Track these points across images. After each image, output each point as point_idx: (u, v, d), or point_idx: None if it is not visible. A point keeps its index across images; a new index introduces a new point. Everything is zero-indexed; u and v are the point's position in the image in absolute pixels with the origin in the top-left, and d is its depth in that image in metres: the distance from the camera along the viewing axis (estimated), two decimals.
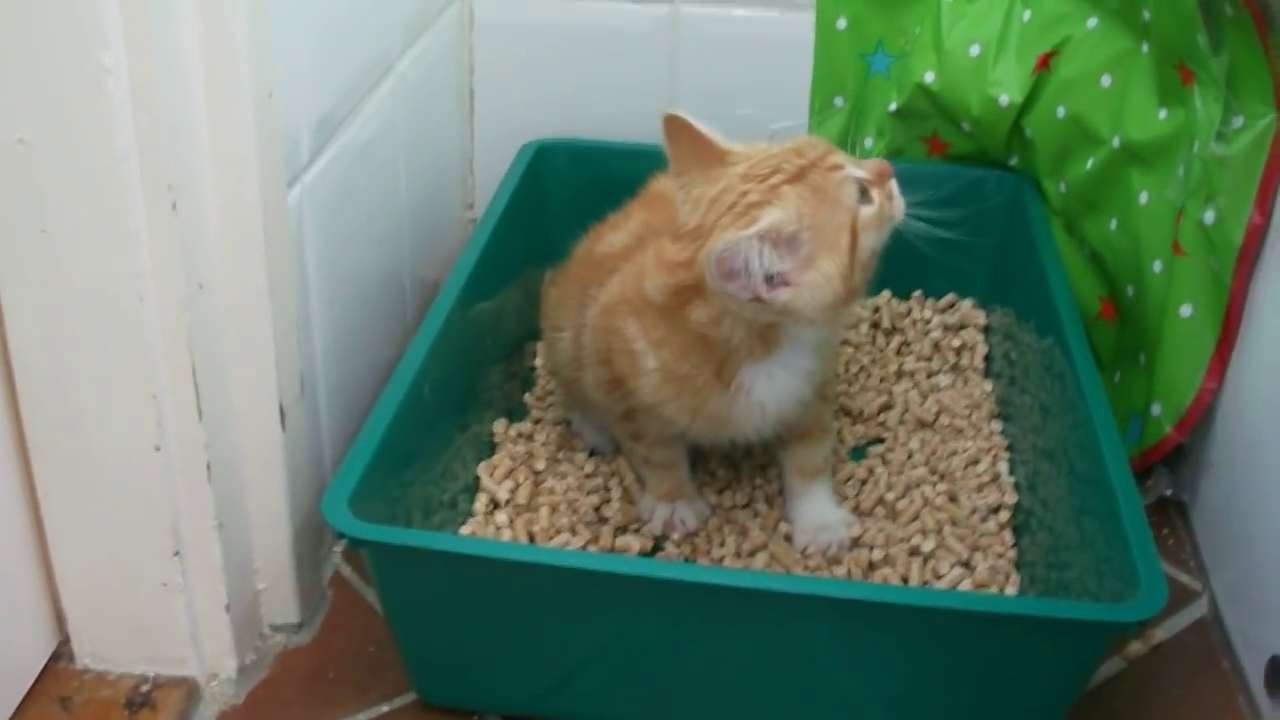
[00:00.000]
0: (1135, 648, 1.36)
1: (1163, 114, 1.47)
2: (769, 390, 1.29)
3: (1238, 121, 1.37)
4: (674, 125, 1.24)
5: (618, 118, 1.76)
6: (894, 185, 1.25)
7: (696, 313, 1.24)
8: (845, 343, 1.69)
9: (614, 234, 1.46)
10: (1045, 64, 1.61)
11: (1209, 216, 1.39)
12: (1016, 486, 1.46)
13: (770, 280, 1.16)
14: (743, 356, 1.26)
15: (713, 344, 1.25)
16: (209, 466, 1.18)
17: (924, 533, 1.41)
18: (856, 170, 1.22)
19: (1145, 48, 1.50)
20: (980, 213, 1.70)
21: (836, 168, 1.21)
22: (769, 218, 1.15)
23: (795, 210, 1.17)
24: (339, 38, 1.35)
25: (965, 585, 1.35)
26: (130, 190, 1.06)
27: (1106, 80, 1.55)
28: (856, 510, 1.45)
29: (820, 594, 1.14)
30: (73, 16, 1.00)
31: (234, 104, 1.11)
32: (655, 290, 1.27)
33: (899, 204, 1.25)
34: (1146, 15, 1.48)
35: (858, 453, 1.55)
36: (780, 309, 1.19)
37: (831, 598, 1.13)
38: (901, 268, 1.70)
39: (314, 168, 1.30)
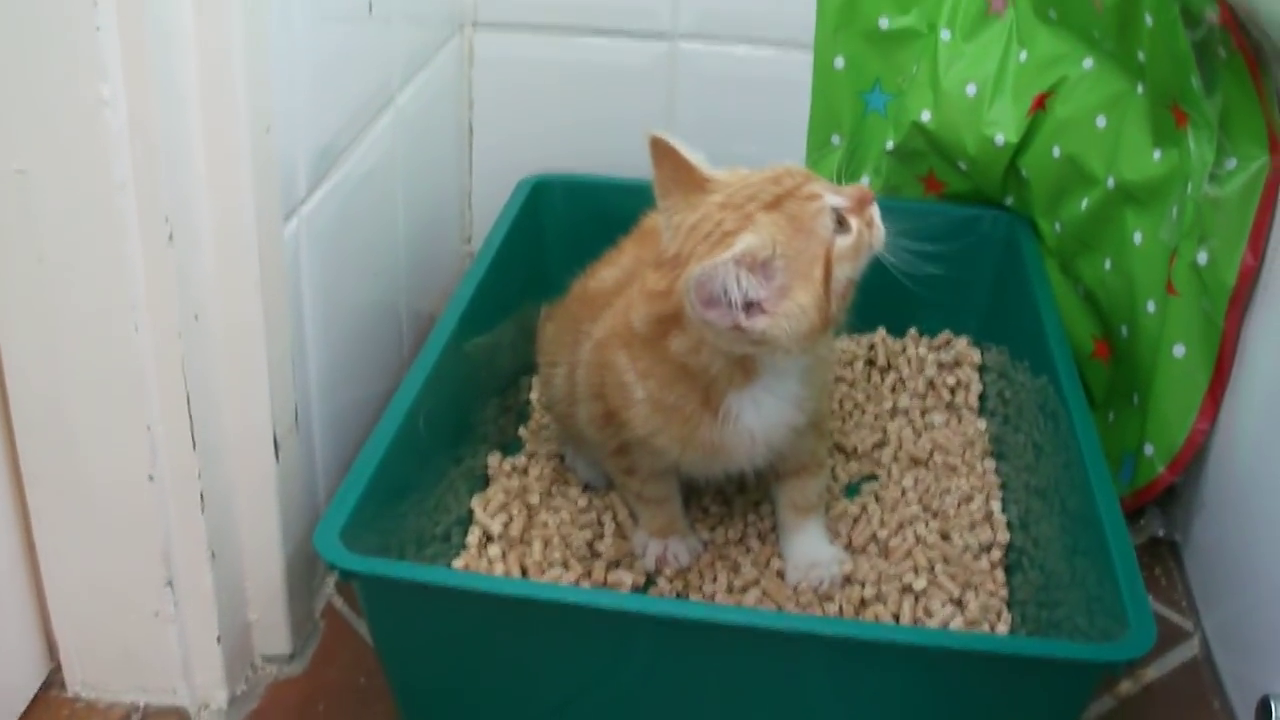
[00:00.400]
0: (1126, 687, 1.36)
1: (1157, 155, 1.48)
2: (757, 417, 1.29)
3: (1231, 163, 1.37)
4: (659, 148, 1.24)
5: (616, 153, 1.76)
6: (875, 212, 1.24)
7: (675, 343, 1.25)
8: (840, 379, 1.69)
9: (606, 270, 1.46)
10: (1041, 104, 1.62)
11: (1202, 257, 1.40)
12: (1009, 525, 1.46)
13: (749, 308, 1.16)
14: (725, 385, 1.26)
15: (695, 373, 1.26)
16: (202, 496, 1.18)
17: (916, 570, 1.41)
18: (835, 199, 1.21)
19: (1140, 89, 1.51)
20: (975, 251, 1.71)
21: (813, 197, 1.21)
22: (743, 243, 1.15)
23: (770, 236, 1.17)
24: (338, 71, 1.36)
25: (957, 623, 1.35)
26: (127, 221, 1.07)
27: (1102, 121, 1.56)
28: (849, 547, 1.45)
29: (811, 631, 1.14)
30: (72, 49, 1.01)
31: (231, 137, 1.11)
32: (639, 321, 1.27)
33: (879, 232, 1.24)
34: (1141, 57, 1.48)
35: (851, 489, 1.55)
36: (758, 337, 1.18)
37: (822, 635, 1.13)
38: (897, 305, 1.72)
39: (312, 200, 1.31)
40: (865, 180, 1.76)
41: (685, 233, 1.22)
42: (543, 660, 1.18)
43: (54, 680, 1.28)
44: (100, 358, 1.12)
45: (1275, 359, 1.33)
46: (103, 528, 1.19)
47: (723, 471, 1.39)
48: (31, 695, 1.26)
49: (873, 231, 1.23)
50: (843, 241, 1.20)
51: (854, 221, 1.21)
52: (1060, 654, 1.12)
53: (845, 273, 1.21)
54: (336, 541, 1.14)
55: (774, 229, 1.18)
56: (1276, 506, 1.29)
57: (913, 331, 1.78)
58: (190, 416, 1.15)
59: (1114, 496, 1.24)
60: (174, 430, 1.15)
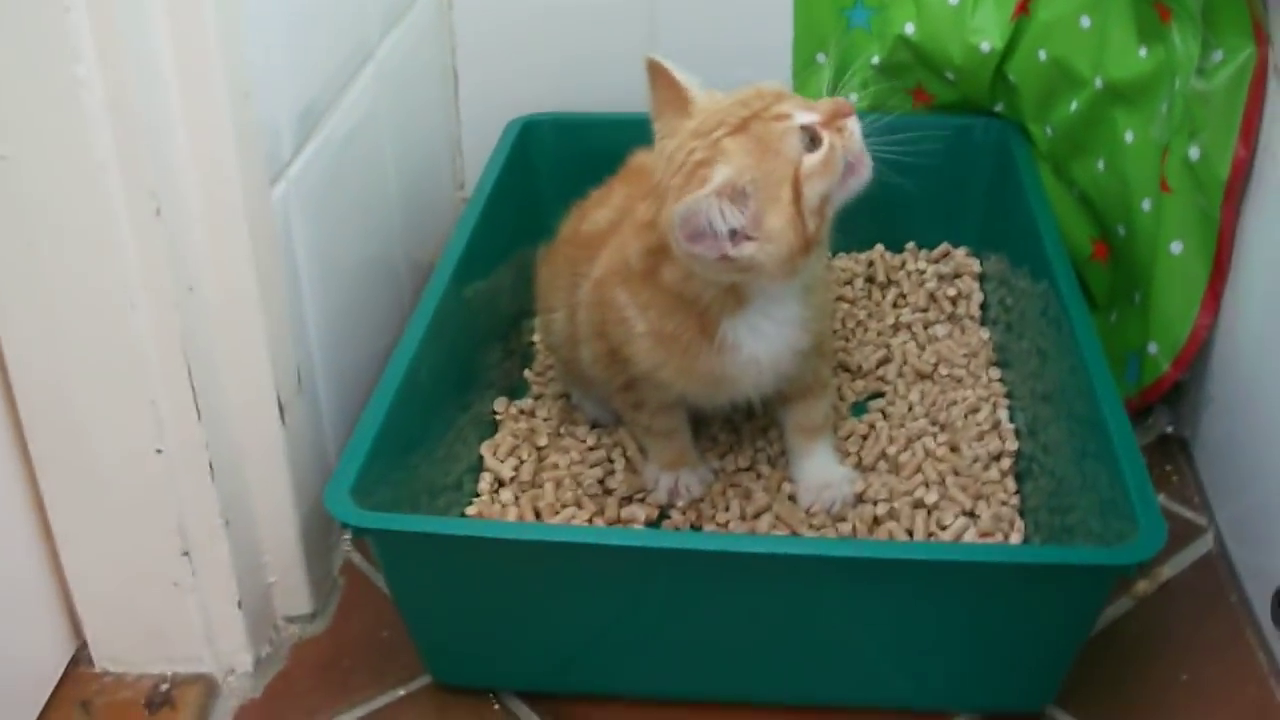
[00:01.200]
0: (1142, 587, 1.36)
1: (1143, 52, 1.47)
2: (758, 343, 1.29)
3: (1217, 56, 1.37)
4: (654, 71, 1.25)
5: (602, 88, 1.76)
6: (852, 124, 1.22)
7: (667, 273, 1.26)
8: (840, 298, 1.69)
9: (598, 211, 1.46)
10: (1024, 8, 1.61)
11: (1194, 153, 1.40)
12: (1017, 433, 1.47)
13: (734, 236, 1.16)
14: (718, 312, 1.26)
15: (689, 302, 1.26)
16: (211, 466, 1.19)
17: (927, 485, 1.42)
18: (805, 115, 1.20)
19: None
20: (968, 160, 1.71)
21: (780, 117, 1.20)
22: (721, 174, 1.15)
23: (740, 164, 1.17)
24: (314, 30, 1.35)
25: (970, 535, 1.36)
26: (113, 199, 1.07)
27: (1086, 21, 1.55)
28: (859, 466, 1.46)
29: (826, 554, 1.15)
30: (43, 32, 1.00)
31: (211, 107, 1.11)
32: (634, 255, 1.28)
33: (857, 144, 1.22)
34: None
35: (858, 408, 1.56)
36: (746, 264, 1.18)
37: (837, 557, 1.15)
38: (893, 220, 1.72)
39: (298, 162, 1.30)
40: (853, 98, 1.75)
41: (664, 161, 1.22)
42: (560, 601, 1.19)
43: (81, 657, 1.29)
44: (99, 337, 1.12)
45: (1273, 250, 1.33)
46: (115, 504, 1.19)
47: (729, 400, 1.40)
48: (60, 673, 1.27)
49: (849, 144, 1.22)
50: (812, 159, 1.19)
51: (826, 137, 1.20)
52: (1070, 560, 1.13)
53: (818, 190, 1.20)
54: (347, 499, 1.15)
55: (741, 154, 1.17)
56: None
57: (911, 245, 1.78)
58: (193, 388, 1.15)
59: (1118, 400, 1.24)
60: (178, 403, 1.15)
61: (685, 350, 1.29)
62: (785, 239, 1.18)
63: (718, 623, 1.18)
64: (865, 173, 1.23)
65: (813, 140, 1.20)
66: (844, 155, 1.21)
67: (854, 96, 1.73)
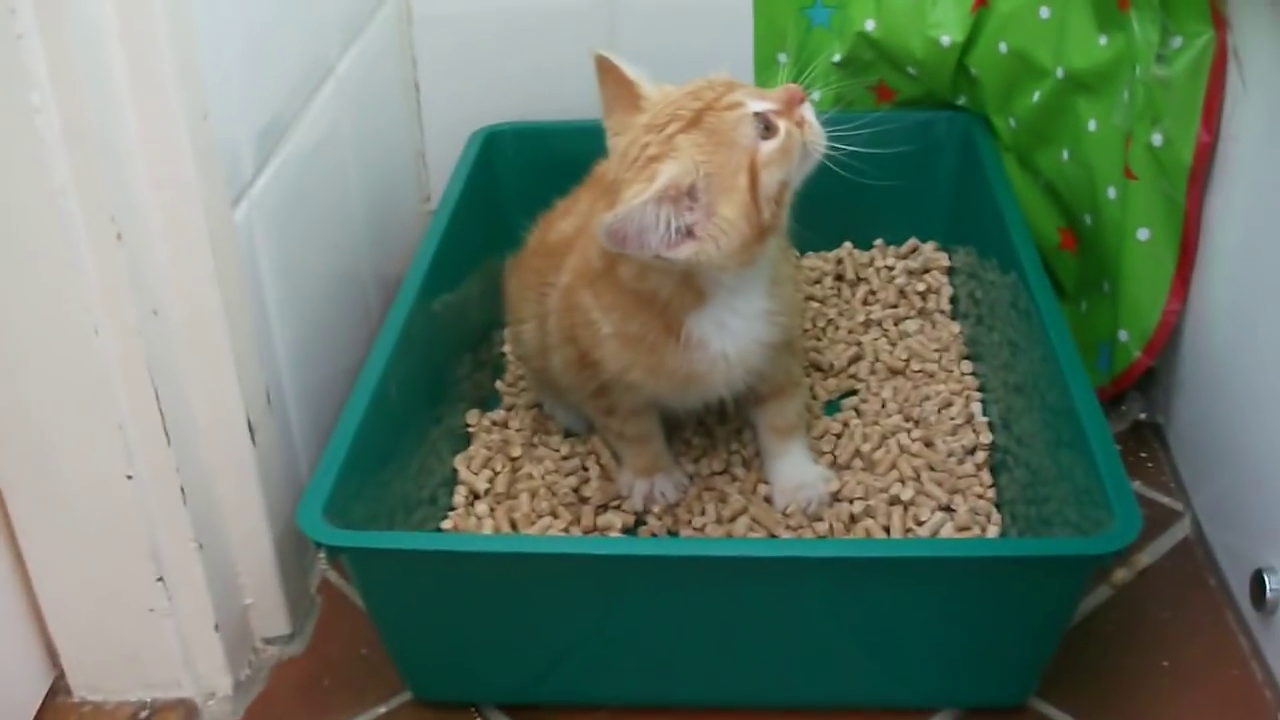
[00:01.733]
0: (1121, 575, 1.37)
1: (1103, 40, 1.47)
2: (726, 339, 1.29)
3: (1176, 42, 1.37)
4: (603, 67, 1.24)
5: (564, 96, 1.75)
6: (808, 111, 1.22)
7: (623, 270, 1.26)
8: (810, 298, 1.69)
9: (564, 221, 1.46)
10: (983, 1, 1.61)
11: (1157, 139, 1.40)
12: (990, 426, 1.47)
13: (676, 234, 1.16)
14: (679, 308, 1.26)
15: (650, 299, 1.26)
16: (182, 489, 1.18)
17: (902, 481, 1.42)
18: (759, 103, 1.20)
19: None
20: (933, 154, 1.71)
21: (733, 106, 1.19)
22: (663, 176, 1.15)
23: (691, 161, 1.16)
24: (272, 49, 1.35)
25: (947, 530, 1.35)
26: (73, 224, 1.06)
27: (1045, 12, 1.55)
28: (834, 464, 1.46)
29: (801, 555, 1.15)
30: None
31: (168, 129, 1.11)
32: (594, 255, 1.28)
33: (814, 130, 1.22)
34: None
35: (831, 406, 1.56)
36: (684, 264, 1.18)
37: (813, 558, 1.15)
38: (861, 217, 1.72)
39: (259, 181, 1.30)
40: (815, 95, 1.74)
41: (618, 158, 1.22)
42: (538, 612, 1.19)
43: (59, 687, 1.28)
44: (63, 363, 1.11)
45: (1239, 234, 1.33)
46: (87, 531, 1.19)
47: (701, 400, 1.40)
48: (38, 704, 1.27)
49: (805, 131, 1.22)
50: (769, 146, 1.19)
51: (782, 124, 1.20)
52: (1046, 551, 1.14)
53: (775, 177, 1.19)
54: (319, 519, 1.15)
55: (694, 149, 1.17)
56: (1253, 380, 1.30)
57: (879, 242, 1.78)
58: (161, 412, 1.15)
59: (1089, 389, 1.24)
60: (146, 427, 1.15)
61: (652, 350, 1.29)
62: (738, 230, 1.18)
63: (696, 627, 1.18)
64: (817, 154, 1.23)
65: (768, 128, 1.19)
66: (801, 141, 1.21)
67: (816, 94, 1.75)
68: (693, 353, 1.29)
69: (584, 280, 1.32)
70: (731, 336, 1.29)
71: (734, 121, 1.18)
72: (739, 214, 1.18)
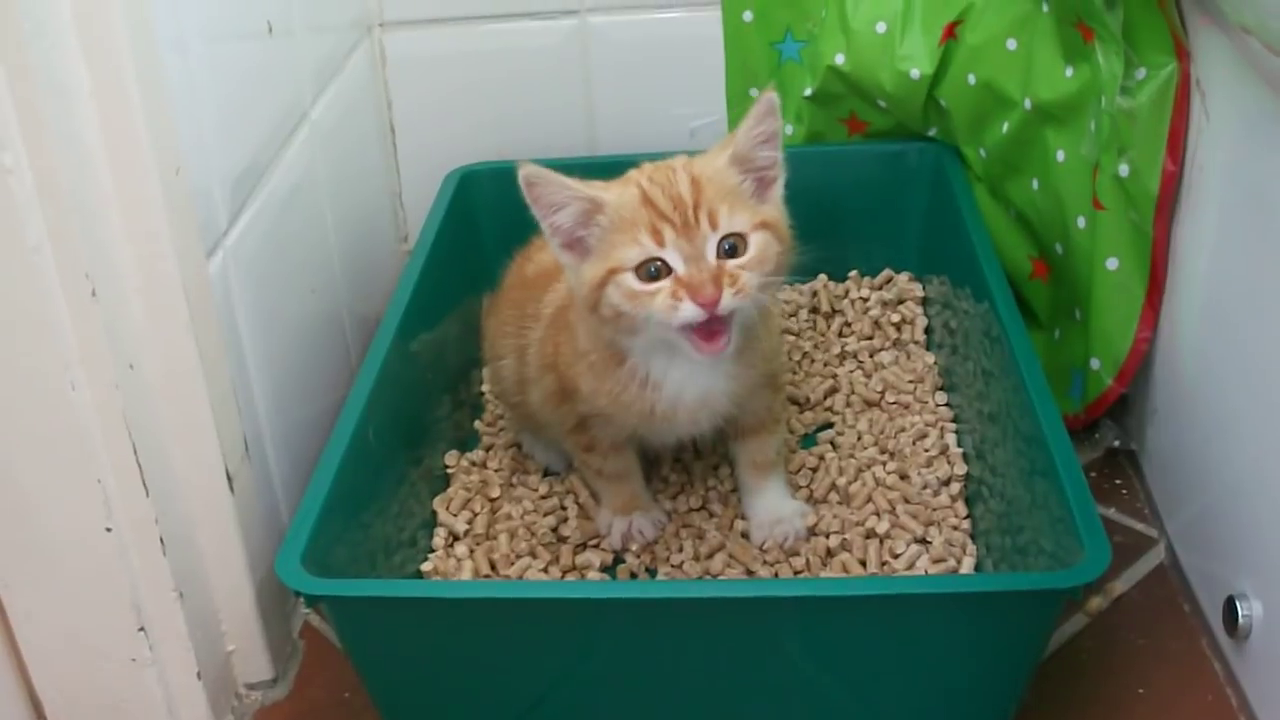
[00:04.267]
0: (1096, 602, 1.38)
1: (1069, 72, 1.49)
2: (682, 385, 1.31)
3: (1140, 73, 1.38)
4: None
5: (539, 135, 1.78)
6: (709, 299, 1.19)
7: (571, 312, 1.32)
8: (786, 330, 1.70)
9: (541, 254, 1.47)
10: (951, 33, 1.62)
11: (1123, 169, 1.41)
12: (965, 457, 1.48)
13: (565, 233, 1.24)
14: (611, 335, 1.27)
15: (598, 325, 1.28)
16: (162, 540, 1.19)
17: (878, 514, 1.43)
18: (676, 257, 1.20)
19: (1045, 8, 1.51)
20: (905, 185, 1.73)
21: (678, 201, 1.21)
22: (599, 187, 1.24)
23: (625, 197, 1.22)
24: (244, 98, 1.36)
25: (923, 562, 1.36)
26: (48, 282, 1.07)
27: (1012, 44, 1.57)
28: (810, 498, 1.47)
29: (774, 595, 1.16)
30: None
31: (142, 186, 1.12)
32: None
33: (681, 314, 1.19)
34: None
35: (808, 440, 1.57)
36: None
37: (786, 597, 1.15)
38: (835, 249, 1.72)
39: (234, 231, 1.31)
40: (789, 129, 1.76)
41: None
42: (516, 656, 1.19)
43: None
44: (42, 418, 1.12)
45: (1207, 262, 1.35)
46: (68, 584, 1.19)
47: (676, 438, 1.41)
48: None
49: (678, 311, 1.20)
50: (631, 279, 1.20)
51: (663, 287, 1.20)
52: (1013, 586, 1.15)
53: (610, 302, 1.22)
54: (298, 567, 1.15)
55: (635, 194, 1.22)
56: (1225, 406, 1.31)
57: (854, 273, 1.79)
58: (139, 465, 1.16)
59: (1059, 419, 1.25)
60: (125, 480, 1.16)
61: (614, 380, 1.31)
62: (585, 285, 1.24)
63: (674, 665, 1.19)
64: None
65: (656, 274, 1.20)
66: (653, 313, 1.20)
67: (789, 128, 1.77)
68: (649, 392, 1.30)
69: (573, 308, 1.34)
70: (689, 383, 1.31)
71: (647, 217, 1.20)
72: (594, 273, 1.22)
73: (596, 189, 1.23)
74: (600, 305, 1.23)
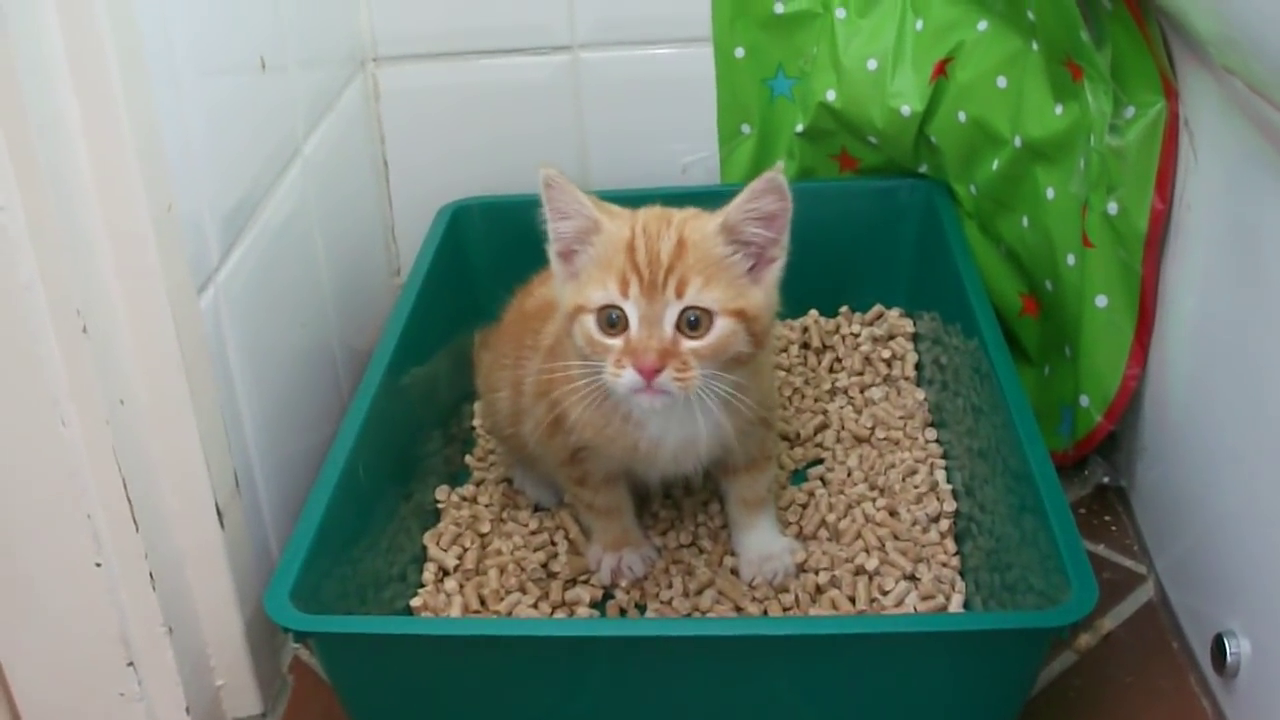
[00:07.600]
0: (1084, 640, 1.38)
1: (1059, 110, 1.49)
2: (665, 426, 1.30)
3: (1129, 112, 1.39)
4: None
5: (531, 170, 1.77)
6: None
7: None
8: (777, 366, 1.70)
9: (542, 288, 1.48)
10: (942, 71, 1.63)
11: (1112, 207, 1.42)
12: (954, 493, 1.48)
13: (566, 244, 1.27)
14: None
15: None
16: (151, 575, 1.19)
17: (867, 551, 1.43)
18: (634, 320, 1.20)
19: (1034, 46, 1.52)
20: (896, 221, 1.73)
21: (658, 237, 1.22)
22: (604, 211, 1.26)
23: (618, 229, 1.23)
24: (236, 135, 1.37)
25: (911, 599, 1.37)
26: (39, 318, 1.07)
27: (1002, 81, 1.58)
28: (800, 535, 1.47)
29: (762, 634, 1.16)
30: None
31: (133, 223, 1.12)
32: None
33: (625, 383, 1.20)
34: (1031, 16, 1.50)
35: (798, 476, 1.57)
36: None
37: (774, 636, 1.15)
38: (826, 285, 1.73)
39: (226, 266, 1.31)
40: (780, 165, 1.77)
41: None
42: (504, 692, 1.19)
43: None
44: (32, 454, 1.13)
45: (1196, 299, 1.35)
46: (57, 619, 1.20)
47: (664, 473, 1.41)
48: None
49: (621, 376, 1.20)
50: (591, 322, 1.22)
51: (615, 343, 1.21)
52: (1000, 625, 1.15)
53: (579, 331, 1.23)
54: (287, 603, 1.15)
55: (624, 227, 1.24)
56: (1214, 443, 1.31)
57: (844, 309, 1.80)
58: (129, 500, 1.16)
59: (1046, 457, 1.26)
60: (114, 515, 1.16)
61: (600, 413, 1.30)
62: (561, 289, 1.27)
63: (657, 703, 1.19)
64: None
65: (615, 322, 1.21)
66: (606, 375, 1.21)
67: (781, 164, 1.77)
68: (632, 428, 1.30)
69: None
70: (672, 425, 1.30)
71: (622, 263, 1.21)
72: (570, 301, 1.24)
73: (604, 212, 1.24)
74: (573, 333, 1.24)
